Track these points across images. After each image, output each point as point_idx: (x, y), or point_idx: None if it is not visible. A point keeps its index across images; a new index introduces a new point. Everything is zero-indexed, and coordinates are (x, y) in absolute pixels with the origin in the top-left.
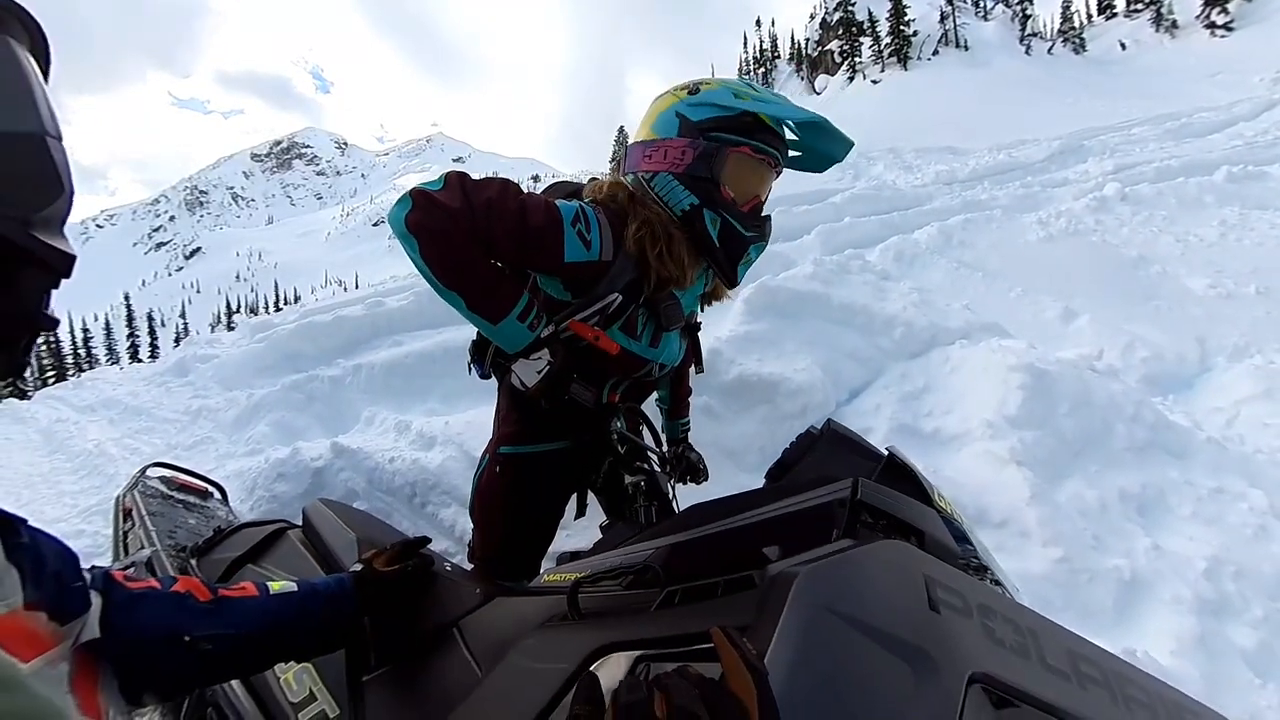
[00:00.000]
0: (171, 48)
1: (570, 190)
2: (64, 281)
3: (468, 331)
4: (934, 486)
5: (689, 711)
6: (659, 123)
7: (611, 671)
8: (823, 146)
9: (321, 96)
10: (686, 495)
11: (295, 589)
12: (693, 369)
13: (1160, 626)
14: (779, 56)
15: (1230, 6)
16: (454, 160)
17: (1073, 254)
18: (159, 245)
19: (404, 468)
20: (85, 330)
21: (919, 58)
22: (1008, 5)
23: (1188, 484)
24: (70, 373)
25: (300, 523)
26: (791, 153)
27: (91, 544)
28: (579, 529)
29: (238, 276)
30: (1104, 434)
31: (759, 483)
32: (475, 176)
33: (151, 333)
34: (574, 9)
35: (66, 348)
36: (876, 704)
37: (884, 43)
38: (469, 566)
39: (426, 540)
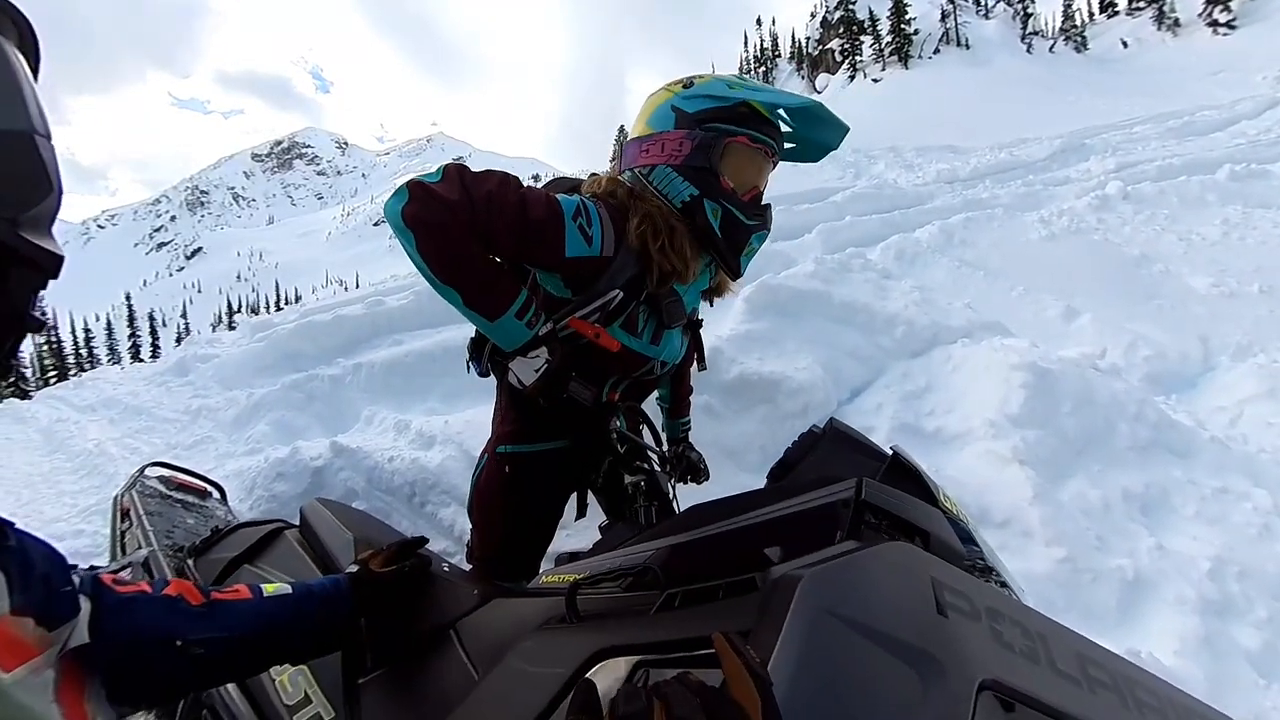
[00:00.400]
0: (171, 48)
1: (569, 186)
2: (68, 282)
3: (468, 330)
4: (939, 487)
5: None
6: (654, 117)
7: (610, 676)
8: (817, 135)
9: (321, 96)
10: (687, 495)
11: (290, 591)
12: (695, 367)
13: (1164, 627)
14: (780, 55)
15: (1232, 5)
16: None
17: (1075, 252)
18: (160, 245)
19: (403, 467)
20: (86, 330)
21: (920, 56)
22: (1009, 4)
23: (1191, 483)
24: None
25: (298, 523)
26: (786, 145)
27: (90, 544)
28: (579, 529)
29: (239, 276)
30: (1107, 433)
31: (760, 482)
32: (474, 169)
33: (153, 333)
34: (574, 9)
35: (68, 348)
36: (883, 712)
37: (885, 41)
38: (467, 567)
39: (424, 540)
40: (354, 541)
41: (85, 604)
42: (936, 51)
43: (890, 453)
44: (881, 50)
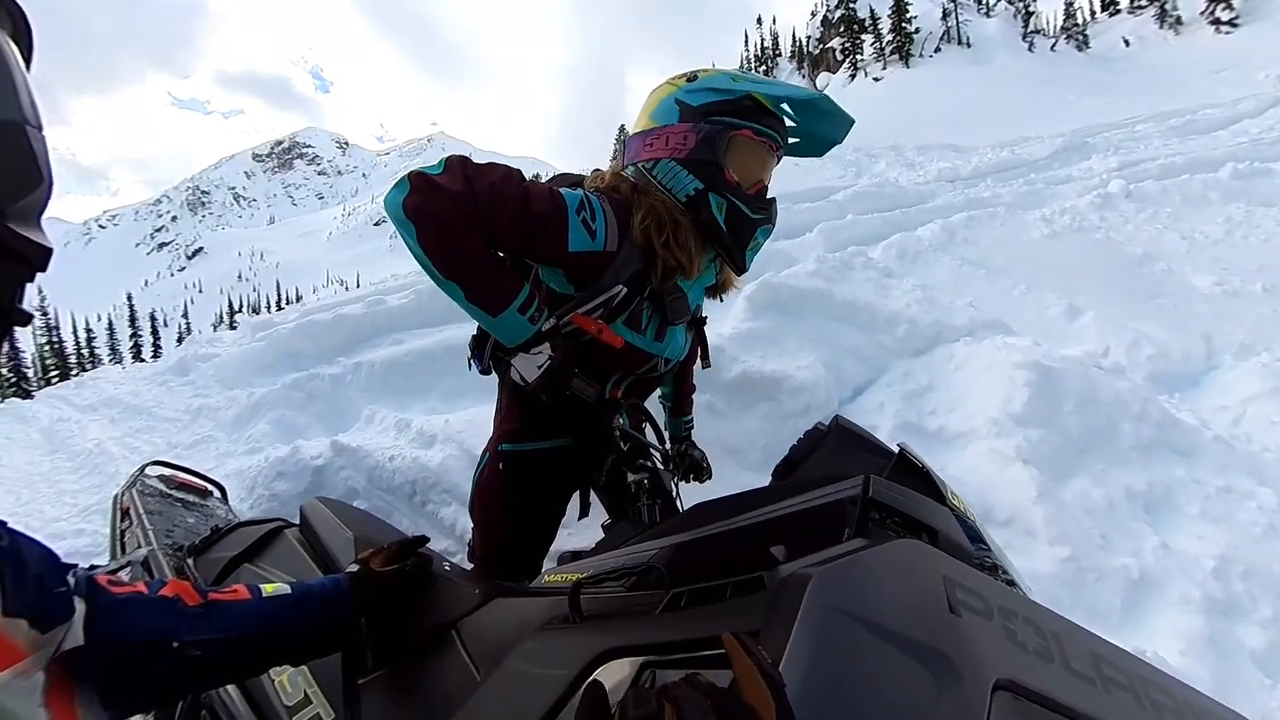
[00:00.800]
0: (171, 48)
1: (572, 181)
2: (70, 282)
3: (468, 329)
4: (947, 484)
5: None
6: (658, 111)
7: (615, 677)
8: (821, 129)
9: (321, 96)
10: (690, 494)
11: (289, 591)
12: (699, 364)
13: (1169, 626)
14: (780, 54)
15: (1235, 2)
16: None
17: (1077, 251)
18: (161, 245)
19: (404, 466)
20: (88, 330)
21: (921, 55)
22: (1010, 2)
23: (1195, 482)
24: (73, 372)
25: (298, 522)
26: (791, 140)
27: (91, 543)
28: (581, 528)
29: (240, 276)
30: (1110, 432)
31: (763, 481)
32: (472, 160)
33: (154, 332)
34: (574, 9)
35: (69, 347)
36: (898, 712)
37: (886, 40)
38: (469, 566)
39: (425, 539)
40: (354, 540)
41: (80, 605)
42: (938, 50)
43: (897, 450)
44: (882, 49)
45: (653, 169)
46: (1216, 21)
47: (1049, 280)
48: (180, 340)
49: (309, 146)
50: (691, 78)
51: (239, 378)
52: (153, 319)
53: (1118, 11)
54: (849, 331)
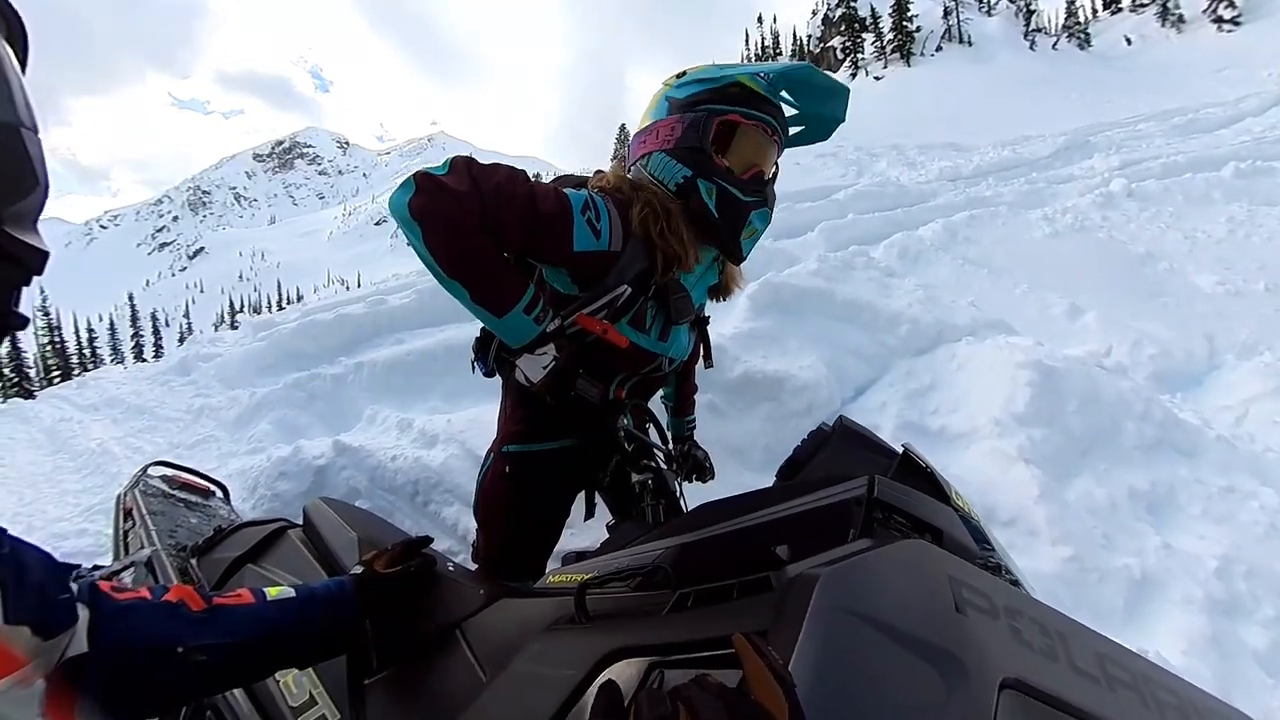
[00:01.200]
0: (171, 48)
1: (576, 183)
2: (72, 282)
3: (470, 330)
4: (950, 484)
5: None
6: (651, 110)
7: (622, 678)
8: (819, 108)
9: (321, 96)
10: (693, 494)
11: (293, 594)
12: (701, 364)
13: (1172, 626)
14: (781, 53)
15: (1237, 1)
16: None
17: (1079, 250)
18: (162, 246)
19: (406, 466)
20: (90, 330)
21: (922, 54)
22: (1011, 0)
23: (1198, 482)
24: (75, 372)
25: (301, 522)
26: (794, 128)
27: (94, 543)
28: (586, 529)
29: (241, 276)
30: (1113, 432)
31: (765, 481)
32: (477, 160)
33: (156, 332)
34: (574, 9)
35: (71, 348)
36: (906, 711)
37: (887, 39)
38: (473, 567)
39: (428, 540)
40: (358, 541)
41: (83, 612)
42: (939, 49)
43: (901, 450)
44: (883, 48)
45: (646, 163)
46: (1219, 20)
47: (1051, 280)
48: (182, 340)
49: (309, 146)
50: (681, 74)
51: (240, 377)
52: (154, 319)
53: (1119, 10)
54: (851, 331)
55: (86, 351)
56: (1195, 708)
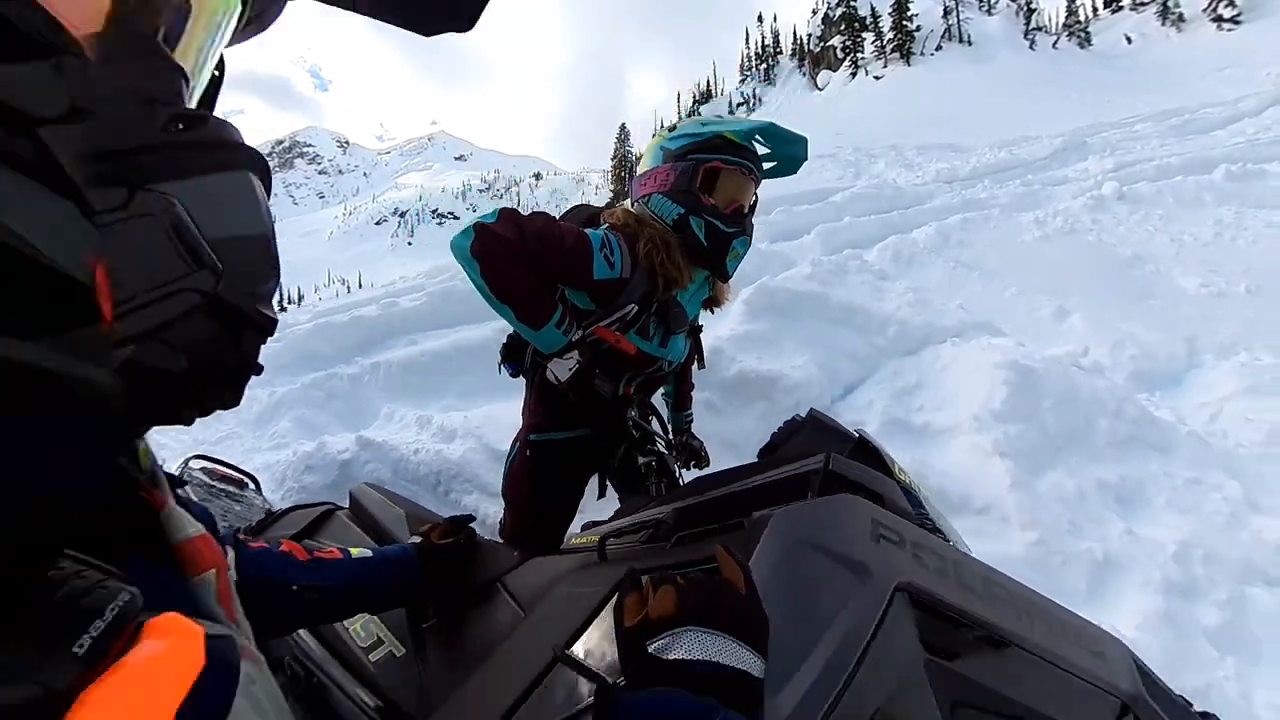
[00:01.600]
0: None
1: (589, 215)
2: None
3: (482, 331)
4: (895, 461)
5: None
6: (649, 158)
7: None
8: (785, 150)
9: (321, 95)
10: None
11: (370, 555)
12: (695, 366)
13: (1129, 605)
14: (781, 52)
15: (1237, 0)
16: (456, 158)
17: (1069, 253)
18: None
19: (428, 459)
20: None
21: (922, 53)
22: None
23: (1166, 475)
24: None
25: (346, 504)
26: (768, 164)
27: None
28: (597, 509)
29: None
30: (1087, 428)
31: None
32: (520, 211)
33: None
34: (574, 8)
35: None
36: (825, 597)
37: (887, 38)
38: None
39: (472, 518)
40: (405, 517)
41: (230, 552)
42: (938, 48)
43: (857, 435)
44: (883, 47)
45: (647, 202)
46: (1219, 19)
47: (1040, 282)
48: None
49: (309, 146)
50: (671, 128)
51: (258, 377)
52: None
53: (1120, 8)
54: (843, 333)
55: None
56: (1062, 622)
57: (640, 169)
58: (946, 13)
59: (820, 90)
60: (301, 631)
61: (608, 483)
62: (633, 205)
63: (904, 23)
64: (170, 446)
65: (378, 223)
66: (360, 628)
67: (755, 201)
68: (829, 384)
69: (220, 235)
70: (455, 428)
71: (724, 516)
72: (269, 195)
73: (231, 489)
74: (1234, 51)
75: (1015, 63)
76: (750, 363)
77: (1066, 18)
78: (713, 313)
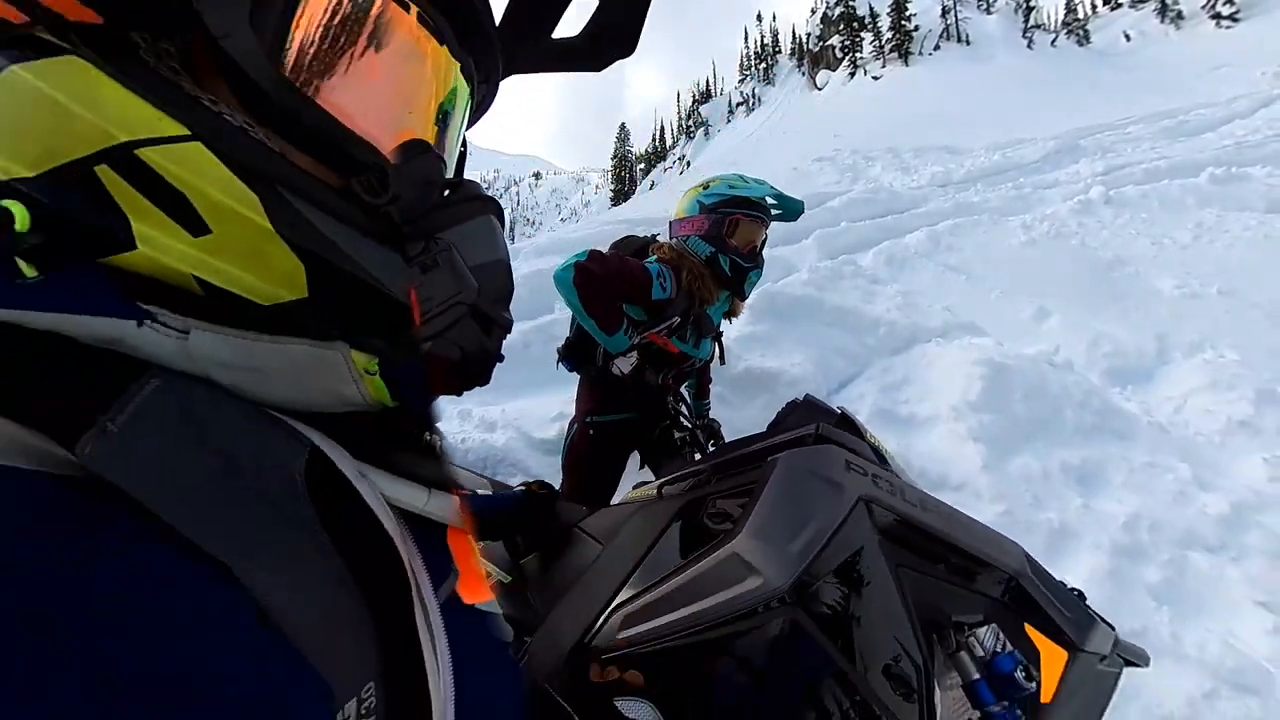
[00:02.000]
0: None
1: (638, 246)
2: None
3: (515, 336)
4: (868, 430)
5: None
6: (687, 207)
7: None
8: (789, 205)
9: None
10: None
11: (492, 494)
12: (716, 362)
13: (1080, 564)
14: (780, 51)
15: None
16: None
17: (1053, 256)
18: None
19: (474, 446)
20: None
21: (920, 53)
22: None
23: (1124, 459)
24: None
25: None
26: (775, 212)
27: None
28: (636, 481)
29: None
30: (1055, 418)
31: None
32: (603, 252)
33: None
34: (573, 8)
35: None
36: (819, 503)
37: (885, 38)
38: None
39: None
40: (490, 483)
41: None
42: (937, 48)
43: (840, 411)
44: (882, 47)
45: (686, 242)
46: (1217, 16)
47: (1024, 285)
48: None
49: None
50: (706, 186)
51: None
52: None
53: (1119, 6)
54: (837, 333)
55: None
56: (975, 527)
57: (676, 214)
58: (945, 12)
59: (819, 90)
60: None
61: (645, 458)
62: (673, 240)
63: (902, 22)
64: None
65: None
66: None
67: (765, 238)
68: (824, 379)
69: (476, 263)
70: (495, 419)
71: (749, 463)
72: (503, 225)
73: None
74: (1232, 50)
75: (1013, 62)
76: (754, 360)
77: (1065, 15)
78: (730, 322)
